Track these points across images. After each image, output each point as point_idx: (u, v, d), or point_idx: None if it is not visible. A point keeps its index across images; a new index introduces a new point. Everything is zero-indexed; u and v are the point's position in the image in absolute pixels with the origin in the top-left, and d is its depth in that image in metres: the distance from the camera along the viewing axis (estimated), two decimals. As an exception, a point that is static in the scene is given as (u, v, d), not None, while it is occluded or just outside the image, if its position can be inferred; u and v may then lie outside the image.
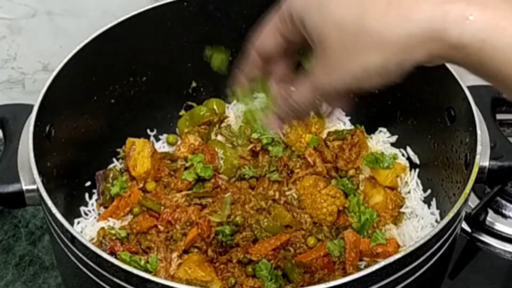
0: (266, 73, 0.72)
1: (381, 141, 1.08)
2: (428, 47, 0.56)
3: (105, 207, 1.01)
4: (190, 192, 1.00)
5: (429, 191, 1.02)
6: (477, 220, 1.11)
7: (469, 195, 0.80)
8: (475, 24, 0.54)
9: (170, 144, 1.10)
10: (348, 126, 1.11)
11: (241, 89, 0.74)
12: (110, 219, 0.98)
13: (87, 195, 1.03)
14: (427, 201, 1.01)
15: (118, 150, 1.06)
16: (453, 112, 0.93)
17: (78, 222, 1.00)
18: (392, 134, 1.09)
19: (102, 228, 0.96)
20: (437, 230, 0.74)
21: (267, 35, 0.68)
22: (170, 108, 1.12)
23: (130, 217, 0.99)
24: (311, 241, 0.93)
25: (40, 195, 0.79)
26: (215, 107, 1.11)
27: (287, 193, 1.00)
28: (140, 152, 1.00)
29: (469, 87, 0.89)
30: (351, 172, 1.02)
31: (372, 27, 0.57)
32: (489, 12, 0.54)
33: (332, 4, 0.59)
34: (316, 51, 0.62)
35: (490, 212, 1.12)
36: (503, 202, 1.14)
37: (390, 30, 0.57)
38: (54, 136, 0.91)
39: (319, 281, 0.86)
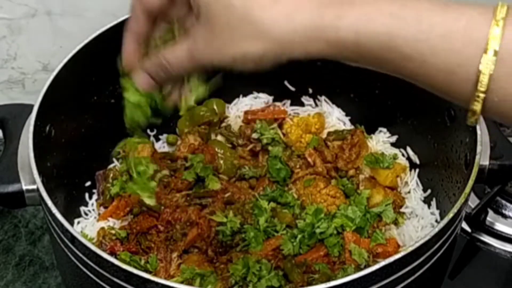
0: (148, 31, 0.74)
1: (381, 141, 1.08)
2: (307, 46, 0.60)
3: (105, 207, 1.01)
4: (190, 192, 1.00)
5: (429, 191, 1.01)
6: (477, 220, 1.11)
7: (469, 195, 0.80)
8: (347, 20, 0.59)
9: (170, 144, 1.10)
10: (348, 126, 1.11)
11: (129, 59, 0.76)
12: (110, 219, 0.98)
13: (87, 195, 1.03)
14: (427, 201, 1.01)
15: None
16: (453, 112, 0.93)
17: (78, 222, 1.00)
18: (392, 134, 1.09)
19: (102, 228, 0.96)
20: (437, 230, 0.74)
21: None
22: (170, 108, 1.12)
23: (130, 217, 0.99)
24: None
25: (40, 195, 0.79)
26: (215, 107, 1.10)
27: (287, 193, 1.00)
28: (140, 152, 1.00)
29: (469, 87, 0.89)
30: (351, 172, 1.02)
31: (257, 17, 0.60)
32: (357, 8, 0.59)
33: None
34: (201, 22, 0.64)
35: (490, 212, 1.12)
36: (503, 202, 1.14)
37: (274, 24, 0.60)
38: (54, 136, 0.91)
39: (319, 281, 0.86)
